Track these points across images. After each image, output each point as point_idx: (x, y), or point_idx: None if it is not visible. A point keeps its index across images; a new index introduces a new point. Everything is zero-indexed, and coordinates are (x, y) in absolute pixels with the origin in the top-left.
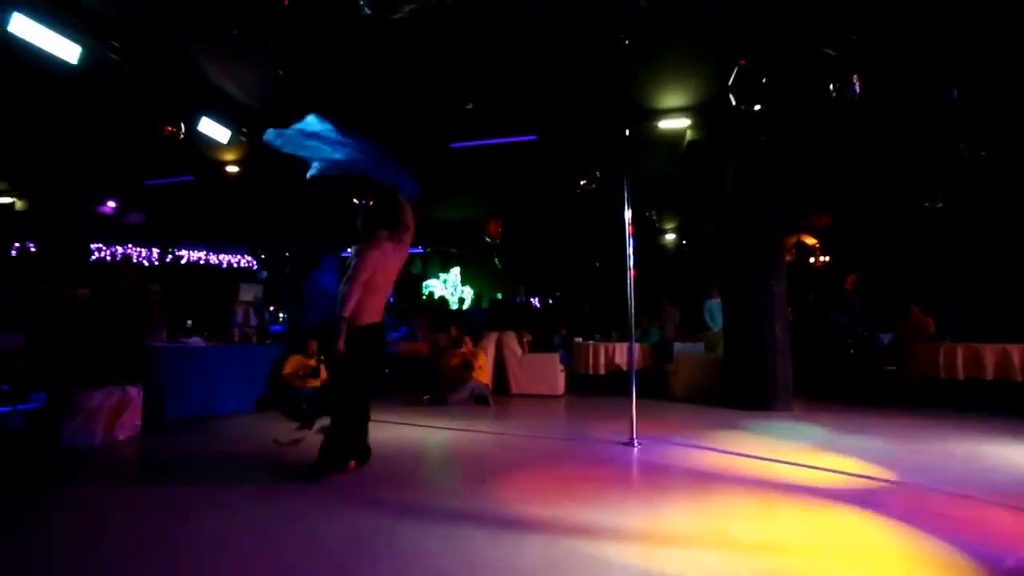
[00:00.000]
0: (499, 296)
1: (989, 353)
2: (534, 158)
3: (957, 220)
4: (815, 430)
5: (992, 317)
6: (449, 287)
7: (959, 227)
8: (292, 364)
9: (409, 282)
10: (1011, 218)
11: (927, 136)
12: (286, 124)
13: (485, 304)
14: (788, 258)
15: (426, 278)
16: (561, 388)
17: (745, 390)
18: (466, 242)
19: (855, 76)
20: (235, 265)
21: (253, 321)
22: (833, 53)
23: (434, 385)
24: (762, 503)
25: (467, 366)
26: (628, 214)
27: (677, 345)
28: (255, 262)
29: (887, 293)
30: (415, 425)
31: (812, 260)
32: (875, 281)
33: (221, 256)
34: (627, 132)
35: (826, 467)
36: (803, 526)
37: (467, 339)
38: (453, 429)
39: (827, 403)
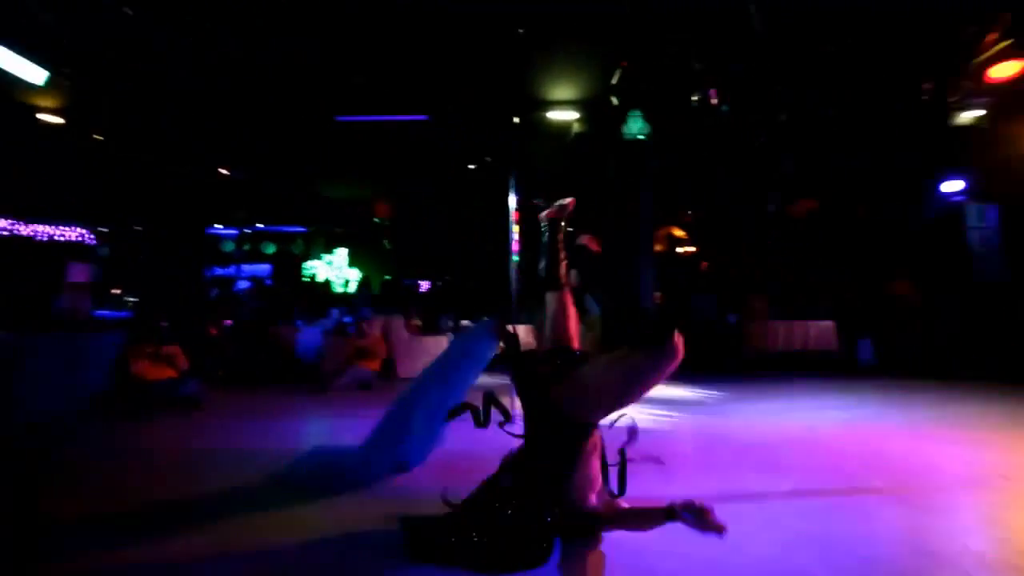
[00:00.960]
0: (387, 278)
1: (797, 329)
2: (426, 139)
3: (790, 221)
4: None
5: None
6: (335, 269)
7: (794, 226)
8: (140, 354)
9: (289, 263)
10: (831, 222)
11: (766, 149)
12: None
13: (376, 287)
14: (661, 248)
15: (308, 259)
16: None
17: None
18: (354, 222)
19: (714, 90)
20: (61, 239)
21: (87, 306)
22: (699, 66)
23: (314, 373)
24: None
25: (361, 354)
26: (513, 200)
27: None
28: (92, 236)
29: (737, 279)
30: (287, 421)
31: (680, 250)
32: (729, 269)
33: (38, 227)
34: (517, 120)
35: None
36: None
37: (366, 327)
38: (335, 417)
39: (686, 376)
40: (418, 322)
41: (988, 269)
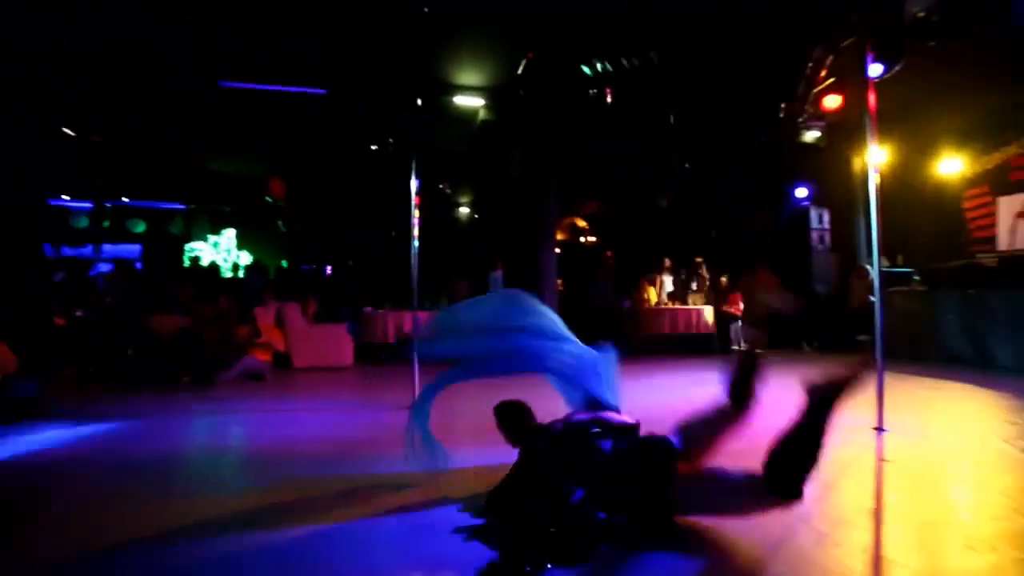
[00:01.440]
0: (284, 264)
1: (680, 315)
2: (324, 115)
3: (679, 215)
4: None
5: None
6: (222, 251)
7: (681, 221)
8: None
9: (165, 244)
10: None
11: (657, 147)
12: None
13: (272, 272)
14: (564, 237)
15: (189, 240)
16: (349, 359)
17: None
18: (244, 201)
19: (608, 89)
20: None
21: None
22: (598, 66)
23: (199, 364)
24: None
25: (252, 344)
26: (415, 184)
27: None
28: None
29: (632, 269)
30: (169, 418)
31: (583, 239)
32: (626, 258)
33: None
34: (420, 102)
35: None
36: None
37: (259, 314)
38: (221, 413)
39: None
40: (315, 308)
41: (822, 262)
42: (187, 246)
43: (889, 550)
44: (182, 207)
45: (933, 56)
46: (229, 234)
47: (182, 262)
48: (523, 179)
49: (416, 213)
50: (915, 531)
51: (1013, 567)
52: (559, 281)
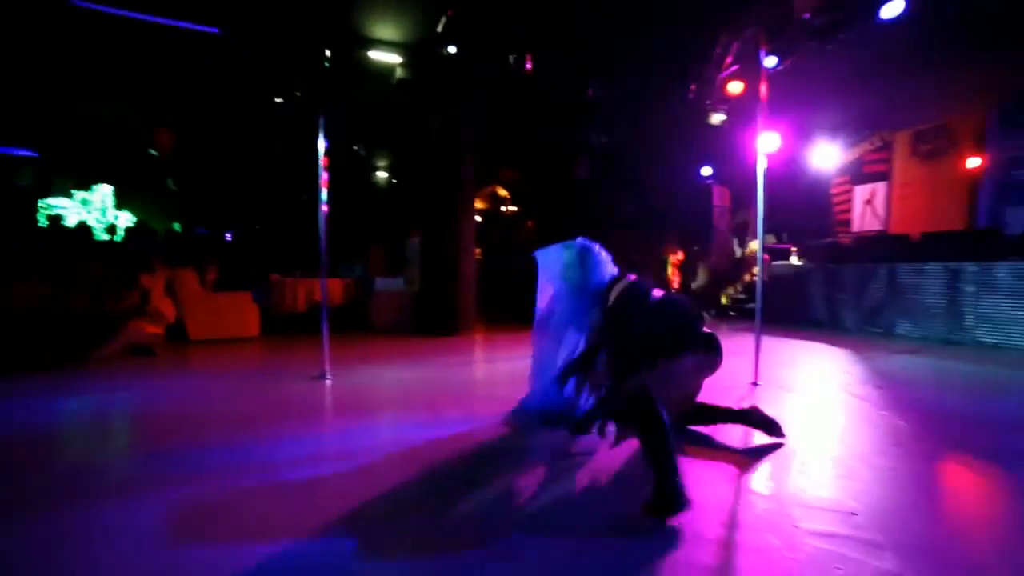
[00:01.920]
0: (176, 227)
1: None
2: (219, 58)
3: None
4: (479, 349)
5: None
6: (94, 211)
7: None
8: None
9: (11, 199)
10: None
11: (575, 119)
12: None
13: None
14: (484, 205)
15: (46, 195)
16: (255, 329)
17: (435, 319)
18: (122, 152)
19: (528, 55)
20: None
21: None
22: (521, 30)
23: (66, 340)
24: (435, 410)
25: (139, 314)
26: (323, 144)
27: (379, 280)
28: None
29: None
30: (31, 398)
31: (504, 209)
32: (547, 228)
33: None
34: (328, 53)
35: (484, 377)
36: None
37: (148, 281)
38: (92, 393)
39: (502, 327)
40: (215, 275)
41: (722, 237)
42: (43, 202)
43: (750, 476)
44: (32, 155)
45: (814, 54)
46: (104, 191)
47: (35, 221)
48: (441, 143)
49: (324, 175)
50: (769, 460)
51: (831, 482)
52: (477, 250)
